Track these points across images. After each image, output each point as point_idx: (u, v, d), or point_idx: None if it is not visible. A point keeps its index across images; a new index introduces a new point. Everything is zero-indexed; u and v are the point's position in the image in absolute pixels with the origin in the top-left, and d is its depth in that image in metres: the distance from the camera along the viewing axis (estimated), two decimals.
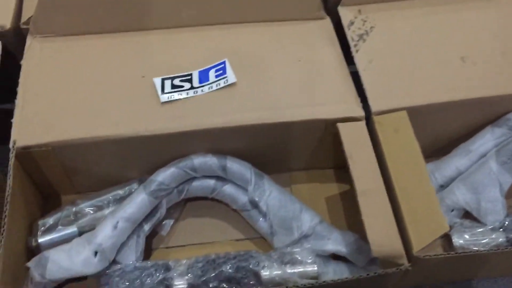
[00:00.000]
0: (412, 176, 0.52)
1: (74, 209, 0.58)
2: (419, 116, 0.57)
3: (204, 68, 0.61)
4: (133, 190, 0.60)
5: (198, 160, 0.59)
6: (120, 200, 0.59)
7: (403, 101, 0.57)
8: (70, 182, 0.63)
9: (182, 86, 0.59)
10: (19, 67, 0.61)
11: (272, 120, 0.57)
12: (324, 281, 0.49)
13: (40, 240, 0.55)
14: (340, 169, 0.68)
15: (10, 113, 0.57)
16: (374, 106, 0.57)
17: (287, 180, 0.66)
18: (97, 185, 0.62)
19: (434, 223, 0.49)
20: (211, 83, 0.59)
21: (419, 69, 0.60)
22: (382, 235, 0.49)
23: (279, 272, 0.54)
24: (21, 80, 0.59)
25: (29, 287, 0.52)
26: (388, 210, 0.51)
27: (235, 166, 0.59)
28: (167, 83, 0.59)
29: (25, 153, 0.55)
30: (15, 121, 0.56)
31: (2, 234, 0.47)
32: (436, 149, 0.64)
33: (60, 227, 0.57)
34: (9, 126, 0.56)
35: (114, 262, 0.55)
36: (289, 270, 0.54)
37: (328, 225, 0.58)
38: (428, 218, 0.50)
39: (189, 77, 0.60)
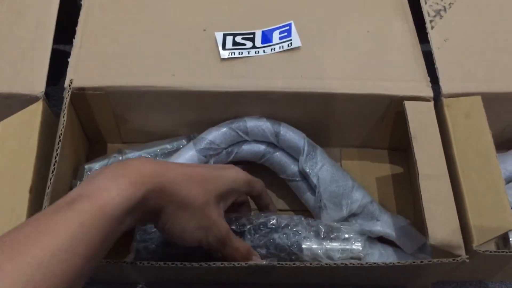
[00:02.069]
0: (480, 167, 0.49)
1: (120, 157, 0.57)
2: (493, 103, 0.53)
3: (269, 28, 0.58)
4: (181, 146, 0.59)
5: (251, 123, 0.56)
6: (168, 154, 0.58)
7: (479, 85, 0.53)
8: (118, 130, 0.62)
9: (244, 44, 0.57)
10: (77, 7, 0.59)
11: (334, 90, 0.55)
12: (374, 263, 0.46)
13: None
14: (394, 150, 0.65)
15: (64, 54, 0.55)
16: (445, 88, 0.54)
17: (337, 155, 0.64)
18: (144, 137, 0.61)
19: (500, 218, 0.46)
20: (274, 45, 0.57)
21: (500, 52, 0.56)
22: (441, 223, 0.47)
23: (320, 246, 0.51)
24: (80, 20, 0.58)
25: None
26: (450, 198, 0.48)
27: (288, 133, 0.57)
28: (229, 39, 0.57)
29: (79, 95, 0.53)
30: (71, 61, 0.55)
31: (52, 173, 0.46)
32: (501, 142, 0.60)
33: None
34: (63, 67, 0.54)
35: None
36: (332, 244, 0.52)
37: (379, 206, 0.56)
38: (494, 212, 0.47)
39: (252, 36, 0.58)
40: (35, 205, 0.47)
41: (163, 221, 0.40)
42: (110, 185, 0.35)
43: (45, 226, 0.32)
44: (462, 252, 0.46)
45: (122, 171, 0.36)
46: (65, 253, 0.31)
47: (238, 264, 0.45)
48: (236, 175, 0.45)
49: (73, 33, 0.57)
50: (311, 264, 0.47)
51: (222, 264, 0.45)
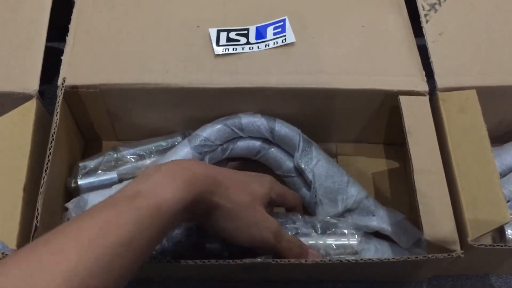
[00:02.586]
0: (475, 161, 0.49)
1: (115, 155, 0.57)
2: (488, 97, 0.53)
3: (263, 24, 0.58)
4: (176, 143, 0.58)
5: (246, 119, 0.56)
6: (162, 151, 0.58)
7: (474, 79, 0.53)
8: (113, 128, 0.61)
9: (238, 40, 0.56)
10: (71, 5, 0.59)
11: (329, 85, 0.54)
12: (369, 259, 0.46)
13: (80, 182, 0.54)
14: (390, 145, 0.65)
15: (58, 52, 0.55)
16: (441, 82, 0.53)
17: (333, 150, 0.64)
18: (139, 134, 0.61)
19: (495, 213, 0.46)
20: (268, 40, 0.57)
21: (495, 46, 0.55)
22: (436, 218, 0.46)
23: (318, 241, 0.52)
24: (73, 17, 0.57)
25: None
26: (445, 192, 0.48)
27: (283, 129, 0.56)
28: (223, 35, 0.57)
29: (73, 93, 0.53)
30: (64, 58, 0.54)
31: (46, 171, 0.46)
32: (497, 135, 0.60)
33: (100, 171, 0.56)
34: (56, 64, 0.54)
35: None
36: (329, 239, 0.52)
37: (374, 201, 0.56)
38: (489, 206, 0.47)
39: (246, 32, 0.57)
40: (29, 204, 0.46)
41: (214, 221, 0.41)
42: (167, 184, 0.36)
43: (107, 219, 0.33)
44: (457, 247, 0.46)
45: (177, 171, 0.38)
46: (123, 248, 0.32)
47: (232, 261, 0.45)
48: (271, 184, 0.48)
49: (66, 30, 0.56)
50: (306, 260, 0.47)
51: (217, 261, 0.45)
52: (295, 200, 0.53)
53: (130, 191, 0.36)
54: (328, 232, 0.52)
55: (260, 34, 0.57)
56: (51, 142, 0.48)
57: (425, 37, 0.56)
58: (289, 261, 0.46)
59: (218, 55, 0.55)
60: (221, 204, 0.40)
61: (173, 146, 0.58)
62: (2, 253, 0.43)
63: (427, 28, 0.57)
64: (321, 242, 0.51)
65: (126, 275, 0.33)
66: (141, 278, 0.56)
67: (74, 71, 0.54)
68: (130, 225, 0.33)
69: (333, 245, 0.52)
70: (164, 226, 0.36)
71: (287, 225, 0.51)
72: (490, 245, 0.46)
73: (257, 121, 0.56)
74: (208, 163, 0.54)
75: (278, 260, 0.46)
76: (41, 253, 0.30)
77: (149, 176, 0.37)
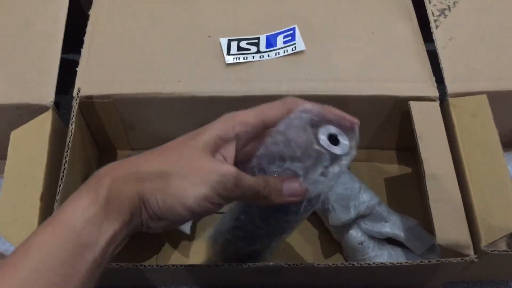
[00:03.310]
0: (487, 166, 0.49)
1: None
2: (499, 102, 0.53)
3: (273, 32, 0.59)
4: None
5: None
6: None
7: (484, 84, 0.53)
8: (127, 137, 0.62)
9: (248, 49, 0.57)
10: (85, 17, 0.60)
11: (339, 92, 0.55)
12: (382, 263, 0.46)
13: None
14: (402, 151, 0.65)
15: (73, 63, 0.56)
16: (451, 88, 0.53)
17: None
18: (153, 143, 0.61)
19: (508, 218, 0.46)
20: (278, 49, 0.57)
21: (505, 50, 0.55)
22: (448, 223, 0.46)
23: None
24: (88, 29, 0.59)
25: None
26: (457, 197, 0.48)
27: None
28: (233, 45, 0.57)
29: (87, 103, 0.54)
30: (79, 69, 0.56)
31: (62, 180, 0.47)
32: (510, 140, 0.60)
33: None
34: (72, 76, 0.55)
35: None
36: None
37: (387, 207, 0.56)
38: (502, 212, 0.46)
39: (256, 41, 0.58)
40: (46, 213, 0.47)
41: (152, 208, 0.33)
42: (73, 202, 0.32)
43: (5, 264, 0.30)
44: (471, 251, 0.46)
45: (85, 184, 0.33)
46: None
47: (245, 265, 0.46)
48: (222, 125, 0.36)
49: (81, 42, 0.58)
50: (318, 264, 0.47)
51: (229, 265, 0.46)
52: (276, 111, 0.36)
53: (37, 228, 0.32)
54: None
55: (270, 42, 0.58)
56: (67, 152, 0.49)
57: (435, 43, 0.56)
58: (301, 264, 0.47)
59: (229, 64, 0.56)
60: (147, 185, 0.33)
61: None
62: None
63: (437, 34, 0.57)
64: None
65: None
66: (150, 286, 0.57)
67: (88, 82, 0.55)
68: (43, 251, 0.30)
69: None
70: (76, 242, 0.30)
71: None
72: (504, 251, 0.46)
73: None
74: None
75: (290, 263, 0.46)
76: None
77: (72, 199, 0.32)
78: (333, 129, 0.34)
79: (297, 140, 0.34)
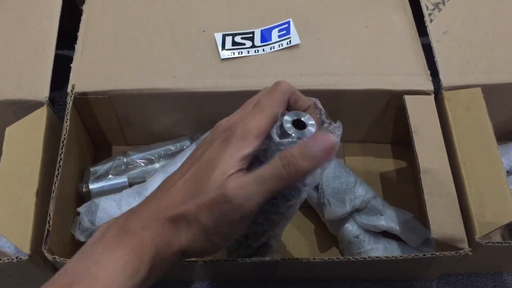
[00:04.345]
0: (481, 159, 0.49)
1: (125, 159, 0.58)
2: (493, 95, 0.53)
3: (267, 27, 0.59)
4: (184, 147, 0.59)
5: None
6: (171, 155, 0.59)
7: (478, 77, 0.53)
8: (122, 133, 0.62)
9: (243, 44, 0.57)
10: (79, 13, 0.60)
11: (334, 86, 0.55)
12: (377, 257, 0.47)
13: (91, 186, 0.55)
14: (398, 145, 0.65)
15: (68, 59, 0.56)
16: (446, 81, 0.54)
17: (340, 151, 0.64)
18: (148, 139, 0.62)
19: (502, 210, 0.46)
20: (273, 43, 0.57)
21: (499, 44, 0.55)
22: (443, 217, 0.47)
23: None
24: (81, 25, 0.58)
25: (76, 232, 0.52)
26: (452, 191, 0.48)
27: None
28: (228, 40, 0.57)
29: (82, 99, 0.54)
30: (74, 66, 0.55)
31: (57, 177, 0.47)
32: (504, 133, 0.60)
33: (110, 176, 0.57)
34: (66, 72, 0.55)
35: None
36: None
37: (382, 201, 0.56)
38: (496, 204, 0.47)
39: (251, 35, 0.58)
40: (42, 208, 0.47)
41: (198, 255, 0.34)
42: (108, 263, 0.29)
43: None
44: (465, 244, 0.46)
45: (119, 240, 0.30)
46: None
47: (241, 260, 0.46)
48: (235, 159, 0.32)
49: (75, 38, 0.57)
50: (314, 259, 0.47)
51: (226, 260, 0.46)
52: (280, 108, 0.34)
53: (65, 278, 0.29)
54: None
55: (265, 37, 0.58)
56: (62, 148, 0.49)
57: (430, 36, 0.57)
58: (297, 259, 0.47)
59: (224, 59, 0.56)
60: (192, 247, 0.32)
61: (181, 150, 0.59)
62: (16, 257, 0.44)
63: (431, 27, 0.57)
64: None
65: None
66: None
67: (83, 78, 0.55)
68: None
69: None
70: None
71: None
72: (498, 243, 0.46)
73: None
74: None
75: (287, 258, 0.47)
76: None
77: (88, 251, 0.30)
78: (297, 115, 0.34)
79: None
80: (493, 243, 0.46)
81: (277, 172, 0.31)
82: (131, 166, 0.57)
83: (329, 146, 0.31)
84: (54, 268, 0.49)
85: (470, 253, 0.46)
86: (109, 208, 0.52)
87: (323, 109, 0.36)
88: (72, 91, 0.53)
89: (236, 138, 0.32)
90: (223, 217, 0.31)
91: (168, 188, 0.33)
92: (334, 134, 0.34)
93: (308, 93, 0.54)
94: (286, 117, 0.34)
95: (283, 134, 0.33)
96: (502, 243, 0.47)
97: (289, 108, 0.36)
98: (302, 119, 0.34)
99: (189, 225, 0.32)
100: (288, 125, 0.33)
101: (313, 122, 0.34)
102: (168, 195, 0.33)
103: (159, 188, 0.34)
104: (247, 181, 0.31)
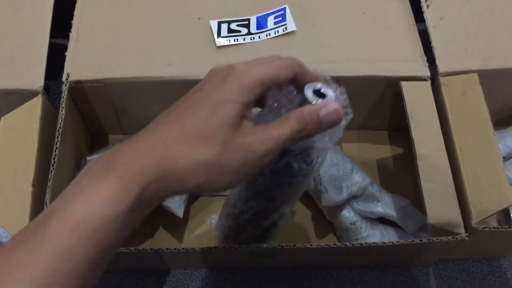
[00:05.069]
0: (477, 144, 0.49)
1: None
2: (490, 81, 0.53)
3: (263, 13, 0.58)
4: None
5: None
6: None
7: (475, 63, 0.53)
8: (119, 122, 0.62)
9: (239, 31, 0.57)
10: (73, 1, 0.59)
11: (331, 73, 0.54)
12: (374, 243, 0.47)
13: None
14: (394, 131, 0.65)
15: (63, 48, 0.56)
16: (442, 67, 0.53)
17: None
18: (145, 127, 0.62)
19: (498, 195, 0.46)
20: (269, 30, 0.57)
21: (496, 29, 0.55)
22: (439, 202, 0.47)
23: None
24: (76, 13, 0.58)
25: None
26: (448, 177, 0.48)
27: None
28: (224, 27, 0.57)
29: (77, 88, 0.54)
30: (68, 54, 0.55)
31: (53, 166, 0.47)
32: (501, 118, 0.60)
33: None
34: (62, 60, 0.55)
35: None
36: None
37: (379, 187, 0.56)
38: (492, 189, 0.47)
39: (247, 22, 0.58)
40: (38, 198, 0.47)
41: (192, 191, 0.32)
42: (91, 193, 0.28)
43: (9, 266, 0.26)
44: (462, 230, 0.46)
45: (106, 172, 0.29)
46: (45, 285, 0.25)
47: (239, 247, 0.46)
48: (236, 94, 0.31)
49: (70, 26, 0.57)
50: (311, 245, 0.47)
51: (223, 247, 0.46)
52: (285, 71, 0.33)
53: (46, 212, 0.28)
54: None
55: (261, 24, 0.57)
56: (58, 137, 0.49)
57: (426, 22, 0.56)
58: (294, 245, 0.47)
59: (220, 46, 0.56)
60: (185, 182, 0.30)
61: None
62: None
63: (428, 13, 0.57)
64: None
65: None
66: (147, 269, 0.57)
67: (78, 66, 0.54)
68: (50, 258, 0.26)
69: None
70: (103, 241, 0.27)
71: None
72: (494, 228, 0.46)
73: None
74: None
75: (284, 245, 0.47)
76: None
77: (73, 184, 0.29)
78: (318, 85, 0.34)
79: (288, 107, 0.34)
80: (489, 228, 0.46)
81: (290, 126, 0.31)
82: None
83: (338, 111, 0.33)
84: None
85: (467, 238, 0.46)
86: None
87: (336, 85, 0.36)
88: (67, 79, 0.53)
89: (238, 79, 0.31)
90: (223, 162, 0.30)
91: (167, 123, 0.31)
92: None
93: None
94: (307, 86, 0.33)
95: (304, 101, 0.33)
96: (498, 228, 0.47)
97: (297, 81, 0.34)
98: (322, 90, 0.34)
99: (185, 162, 0.30)
100: (309, 93, 0.33)
101: (332, 92, 0.34)
102: (166, 130, 0.31)
103: (156, 122, 0.32)
104: (257, 130, 0.31)
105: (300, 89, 0.34)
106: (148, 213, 0.30)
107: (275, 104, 0.33)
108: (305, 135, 0.32)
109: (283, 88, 0.34)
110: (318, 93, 0.33)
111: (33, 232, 0.27)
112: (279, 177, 0.37)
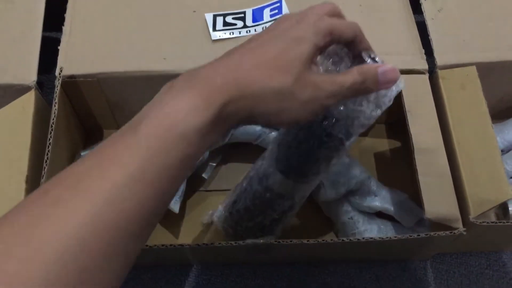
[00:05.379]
0: (476, 137, 0.49)
1: None
2: (489, 73, 0.52)
3: (259, 6, 0.57)
4: None
5: None
6: None
7: (474, 55, 0.53)
8: (113, 116, 0.61)
9: (234, 24, 0.56)
10: None
11: None
12: (371, 238, 0.47)
13: None
14: (392, 125, 0.64)
15: (56, 42, 0.55)
16: (440, 60, 0.53)
17: None
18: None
19: (496, 189, 0.46)
20: (265, 23, 0.56)
21: (494, 21, 0.55)
22: (437, 197, 0.46)
23: None
24: (69, 6, 0.57)
25: None
26: (446, 171, 0.48)
27: None
28: (219, 20, 0.56)
29: (71, 82, 0.53)
30: (61, 48, 0.54)
31: (46, 162, 0.47)
32: (499, 111, 0.59)
33: None
34: (55, 54, 0.54)
35: None
36: None
37: (376, 182, 0.56)
38: (490, 183, 0.46)
39: (242, 15, 0.57)
40: None
41: (262, 120, 0.34)
42: (177, 103, 0.30)
43: (109, 156, 0.28)
44: (459, 224, 0.46)
45: (188, 87, 0.31)
46: (134, 184, 0.27)
47: (235, 243, 0.45)
48: (311, 35, 0.33)
49: (63, 20, 0.56)
50: (308, 241, 0.47)
51: (219, 243, 0.46)
52: (350, 30, 0.36)
53: (137, 118, 0.30)
54: None
55: (257, 16, 0.57)
56: (51, 133, 0.48)
57: (424, 14, 0.56)
58: (291, 241, 0.47)
59: (215, 40, 0.55)
60: (258, 104, 0.32)
61: None
62: None
63: (426, 5, 0.56)
64: None
65: (145, 215, 0.28)
66: (143, 265, 0.57)
67: (71, 60, 0.53)
68: (138, 156, 0.28)
69: None
70: (184, 150, 0.29)
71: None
72: (492, 222, 0.46)
73: None
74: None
75: (281, 240, 0.47)
76: (40, 206, 0.27)
77: (158, 97, 0.31)
78: (372, 54, 0.37)
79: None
80: (487, 222, 0.46)
81: (352, 77, 0.34)
82: None
83: (395, 70, 0.36)
84: None
85: (464, 233, 0.46)
86: None
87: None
88: (60, 74, 0.52)
89: (314, 22, 0.34)
90: (295, 93, 0.33)
91: (242, 53, 0.33)
92: None
93: None
94: (364, 53, 0.37)
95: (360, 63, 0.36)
96: (496, 222, 0.46)
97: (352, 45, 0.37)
98: (376, 58, 0.37)
99: (261, 86, 0.32)
100: (366, 57, 0.36)
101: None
102: (243, 58, 0.33)
103: (229, 52, 0.34)
104: (323, 74, 0.35)
105: (354, 53, 0.37)
106: (223, 135, 0.33)
107: (335, 59, 0.37)
108: (364, 89, 0.35)
109: (341, 48, 0.37)
110: (374, 61, 0.37)
111: (125, 134, 0.29)
112: (316, 142, 0.40)
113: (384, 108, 0.39)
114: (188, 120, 0.29)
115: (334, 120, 0.39)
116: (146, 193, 0.28)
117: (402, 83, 0.38)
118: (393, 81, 0.36)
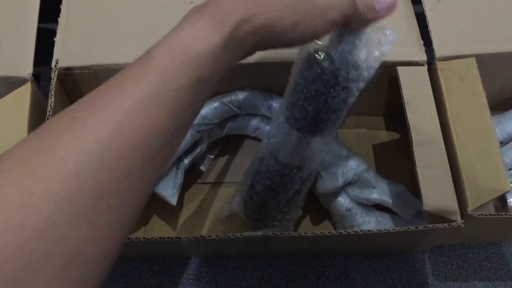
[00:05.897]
0: (474, 130, 0.48)
1: None
2: (487, 65, 0.52)
3: None
4: None
5: (243, 96, 0.56)
6: None
7: (473, 47, 0.52)
8: None
9: None
10: None
11: None
12: (369, 230, 0.46)
13: None
14: (390, 117, 0.64)
15: (52, 33, 0.55)
16: (439, 51, 0.52)
17: None
18: None
19: (495, 181, 0.46)
20: None
21: (494, 13, 0.54)
22: (435, 189, 0.46)
23: None
24: None
25: None
26: (444, 163, 0.48)
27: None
28: None
29: (67, 75, 0.53)
30: (57, 40, 0.54)
31: None
32: (498, 103, 0.59)
33: None
34: (52, 46, 0.54)
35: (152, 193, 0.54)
36: None
37: (375, 173, 0.55)
38: (489, 175, 0.46)
39: None
40: None
41: (278, 40, 0.34)
42: (190, 28, 0.30)
43: (125, 79, 0.29)
44: (458, 217, 0.46)
45: (199, 14, 0.31)
46: (151, 102, 0.28)
47: (232, 235, 0.45)
48: None
49: (59, 11, 0.56)
50: (306, 233, 0.47)
51: (217, 236, 0.46)
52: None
53: (150, 48, 0.31)
54: None
55: None
56: None
57: (423, 5, 0.55)
58: (289, 233, 0.47)
59: None
60: (273, 26, 0.32)
61: None
62: None
63: None
64: None
65: (162, 136, 0.29)
66: (141, 257, 0.57)
67: (67, 52, 0.53)
68: (154, 77, 0.29)
69: None
70: (199, 73, 0.29)
71: None
72: (490, 215, 0.46)
73: (255, 98, 0.56)
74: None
75: (279, 232, 0.46)
76: (59, 125, 0.27)
77: (170, 31, 0.32)
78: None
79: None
80: (486, 215, 0.46)
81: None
82: None
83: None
84: None
85: (463, 225, 0.46)
86: None
87: None
88: (56, 66, 0.52)
89: None
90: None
91: None
92: None
93: None
94: None
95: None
96: (494, 215, 0.46)
97: None
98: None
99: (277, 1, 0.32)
100: None
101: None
102: None
103: None
104: None
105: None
106: (241, 58, 0.33)
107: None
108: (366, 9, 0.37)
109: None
110: None
111: (139, 61, 0.30)
112: (326, 90, 0.41)
113: (385, 54, 0.42)
114: (200, 42, 0.30)
115: (337, 67, 0.41)
116: (161, 114, 0.28)
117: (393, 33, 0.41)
118: (391, 8, 0.39)
